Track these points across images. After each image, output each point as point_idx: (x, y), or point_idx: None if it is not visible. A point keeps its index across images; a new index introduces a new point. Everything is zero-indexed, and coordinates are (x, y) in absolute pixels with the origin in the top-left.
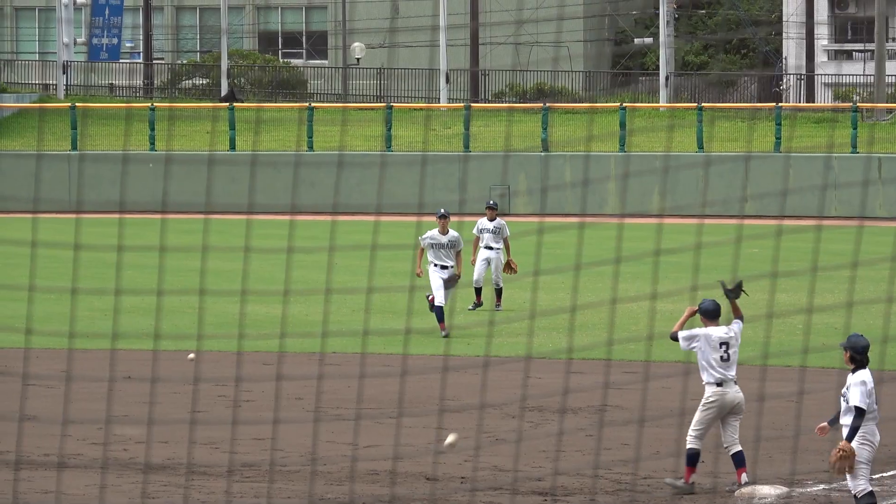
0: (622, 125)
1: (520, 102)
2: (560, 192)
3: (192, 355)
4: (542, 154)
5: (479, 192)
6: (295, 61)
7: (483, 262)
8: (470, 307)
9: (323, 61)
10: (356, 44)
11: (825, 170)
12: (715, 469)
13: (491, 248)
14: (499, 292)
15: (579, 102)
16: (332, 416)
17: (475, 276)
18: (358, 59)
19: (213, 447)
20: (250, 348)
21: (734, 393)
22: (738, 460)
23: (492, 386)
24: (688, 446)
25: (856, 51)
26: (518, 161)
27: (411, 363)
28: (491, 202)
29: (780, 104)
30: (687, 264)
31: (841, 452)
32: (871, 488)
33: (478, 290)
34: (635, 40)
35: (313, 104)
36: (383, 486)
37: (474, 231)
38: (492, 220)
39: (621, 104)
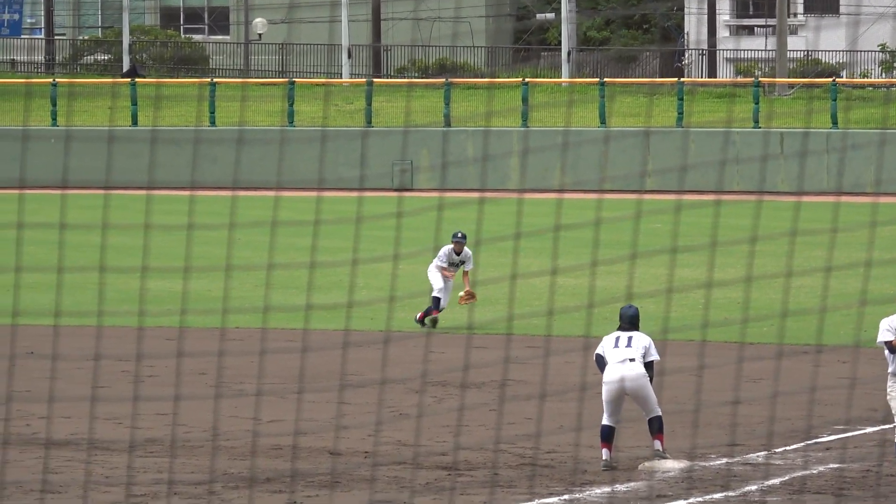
0: (524, 100)
1: (422, 78)
2: (462, 168)
3: None
4: (444, 129)
5: (381, 167)
6: (196, 37)
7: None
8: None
9: (225, 37)
10: (258, 19)
11: (726, 144)
12: (619, 443)
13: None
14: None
15: (481, 78)
16: (234, 392)
17: (437, 286)
18: (260, 35)
19: (115, 423)
20: (152, 324)
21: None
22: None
23: (393, 361)
24: None
25: (757, 26)
26: (420, 136)
27: (313, 339)
28: (459, 234)
29: (681, 79)
30: (587, 239)
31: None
32: (608, 423)
33: (436, 302)
34: (537, 16)
35: (215, 80)
36: (286, 461)
37: (438, 261)
38: (458, 252)
39: (523, 79)
